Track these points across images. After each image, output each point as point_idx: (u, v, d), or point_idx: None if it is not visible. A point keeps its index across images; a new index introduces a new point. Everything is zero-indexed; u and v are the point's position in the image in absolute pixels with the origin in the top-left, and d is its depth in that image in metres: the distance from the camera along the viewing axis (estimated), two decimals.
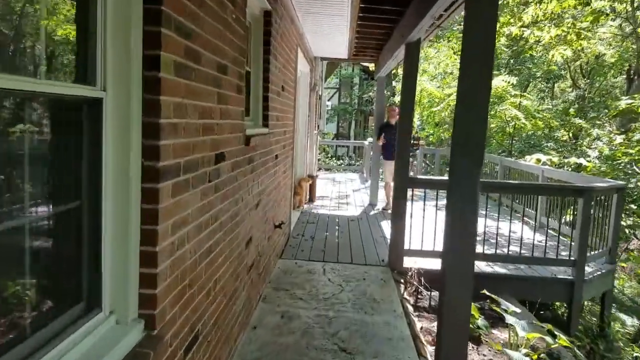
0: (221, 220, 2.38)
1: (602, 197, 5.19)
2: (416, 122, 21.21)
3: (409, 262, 4.89)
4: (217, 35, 2.13)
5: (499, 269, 4.97)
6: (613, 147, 9.11)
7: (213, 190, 2.21)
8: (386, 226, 6.77)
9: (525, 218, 7.74)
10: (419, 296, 4.55)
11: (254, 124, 3.62)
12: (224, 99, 2.32)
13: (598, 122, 13.99)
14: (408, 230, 4.78)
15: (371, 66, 25.42)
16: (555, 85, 18.23)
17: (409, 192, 4.76)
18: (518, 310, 3.82)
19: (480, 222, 2.82)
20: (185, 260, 1.85)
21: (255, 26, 3.62)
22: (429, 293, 4.55)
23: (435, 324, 3.60)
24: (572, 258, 4.70)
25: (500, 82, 9.75)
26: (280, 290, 3.99)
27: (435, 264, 4.96)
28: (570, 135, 13.18)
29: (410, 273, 4.64)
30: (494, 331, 3.89)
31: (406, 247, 4.82)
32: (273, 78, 3.89)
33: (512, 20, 9.05)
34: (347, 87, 24.13)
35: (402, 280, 4.64)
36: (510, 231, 5.23)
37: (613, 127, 12.71)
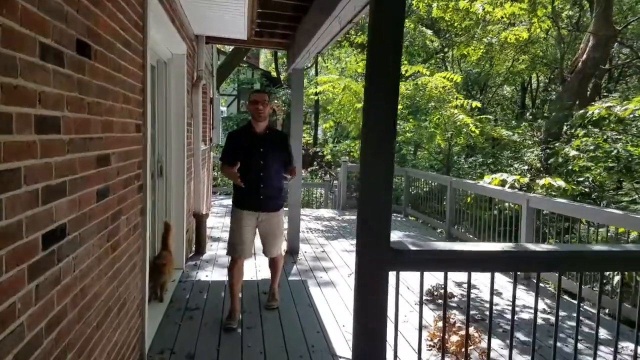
0: None
1: None
2: (328, 132, 19.08)
3: None
4: None
5: None
6: (570, 160, 7.77)
7: None
8: (321, 302, 4.18)
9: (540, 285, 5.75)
10: None
11: None
12: None
13: (519, 131, 13.22)
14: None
15: (273, 72, 22.86)
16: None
17: (392, 281, 2.24)
18: None
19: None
20: None
21: None
22: None
23: None
24: None
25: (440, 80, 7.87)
26: None
27: None
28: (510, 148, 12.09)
29: None
30: None
31: None
32: None
33: None
34: (247, 94, 21.45)
35: None
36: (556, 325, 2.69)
37: (540, 136, 11.85)
